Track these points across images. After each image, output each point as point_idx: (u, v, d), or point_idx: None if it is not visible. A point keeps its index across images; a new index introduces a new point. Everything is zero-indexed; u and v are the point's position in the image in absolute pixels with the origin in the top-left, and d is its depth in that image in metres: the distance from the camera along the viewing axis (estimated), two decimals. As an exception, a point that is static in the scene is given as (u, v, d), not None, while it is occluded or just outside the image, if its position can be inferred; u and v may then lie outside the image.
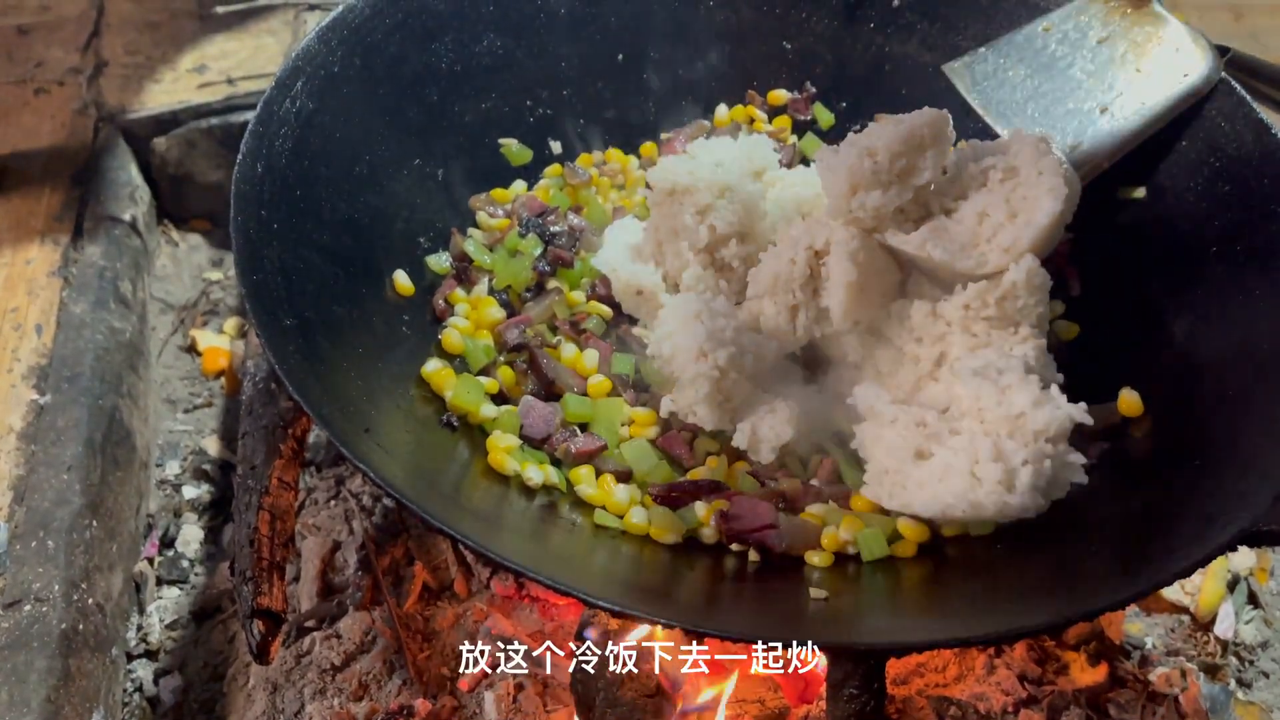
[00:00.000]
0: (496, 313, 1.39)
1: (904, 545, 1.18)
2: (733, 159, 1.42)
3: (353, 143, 1.39)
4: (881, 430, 1.20)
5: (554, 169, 1.59)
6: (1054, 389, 1.21)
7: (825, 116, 1.64)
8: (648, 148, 1.63)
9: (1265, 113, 1.35)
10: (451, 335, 1.35)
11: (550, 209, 1.50)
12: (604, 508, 1.21)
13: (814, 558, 1.17)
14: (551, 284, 1.43)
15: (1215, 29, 2.28)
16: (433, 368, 1.29)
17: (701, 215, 1.36)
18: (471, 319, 1.38)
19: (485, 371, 1.33)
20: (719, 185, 1.36)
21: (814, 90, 1.65)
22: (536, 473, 1.22)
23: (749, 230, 1.40)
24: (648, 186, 1.39)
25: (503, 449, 1.23)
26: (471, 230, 1.49)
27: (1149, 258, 1.40)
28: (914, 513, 1.16)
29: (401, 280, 1.37)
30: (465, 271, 1.43)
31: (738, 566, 1.17)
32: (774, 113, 1.67)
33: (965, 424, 1.17)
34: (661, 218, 1.38)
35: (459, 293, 1.41)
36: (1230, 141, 1.36)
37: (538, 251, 1.44)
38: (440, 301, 1.40)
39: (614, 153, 1.63)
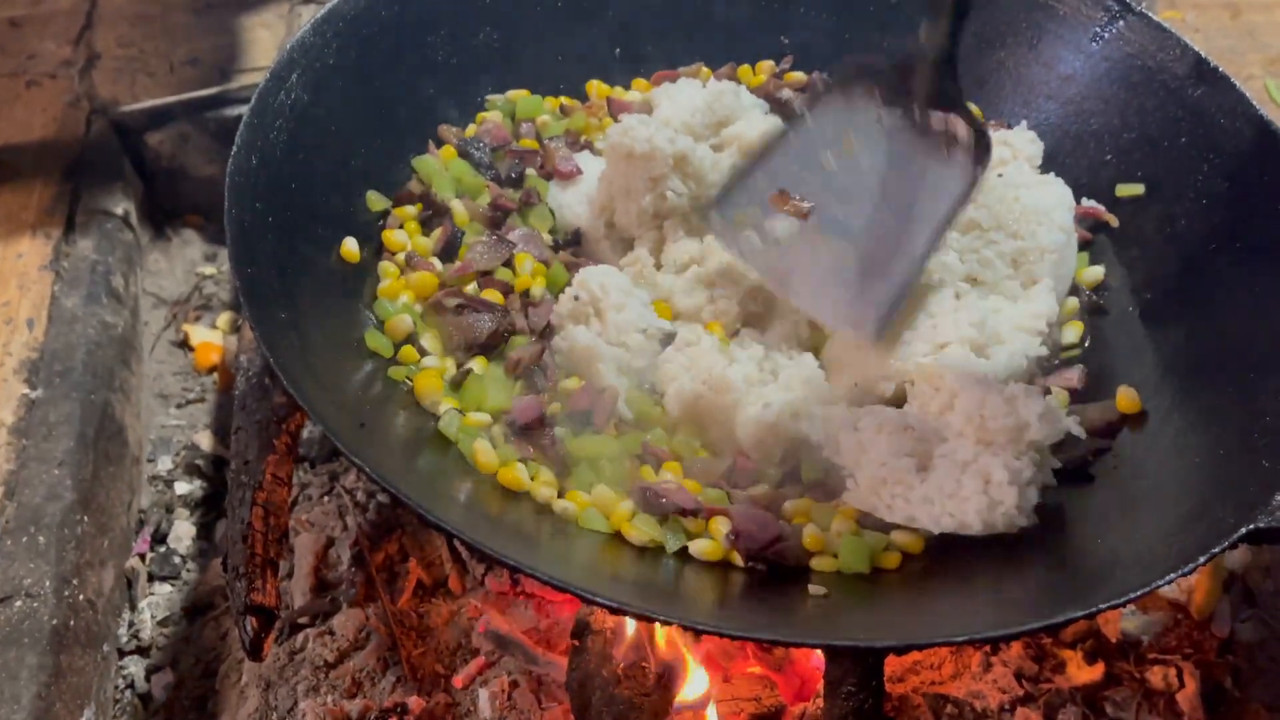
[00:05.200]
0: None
1: (890, 557, 1.15)
2: (696, 106, 1.44)
3: (348, 135, 1.38)
4: (865, 437, 1.17)
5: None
6: (1051, 399, 1.21)
7: None
8: (640, 83, 1.61)
9: (1265, 109, 1.34)
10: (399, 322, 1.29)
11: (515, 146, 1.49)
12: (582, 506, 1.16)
13: (818, 563, 1.13)
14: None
15: (1212, 26, 2.28)
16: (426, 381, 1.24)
17: (654, 183, 1.36)
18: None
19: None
20: (676, 155, 1.36)
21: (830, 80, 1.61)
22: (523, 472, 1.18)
23: (698, 195, 1.38)
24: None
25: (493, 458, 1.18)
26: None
27: (1148, 255, 1.40)
28: (919, 526, 1.14)
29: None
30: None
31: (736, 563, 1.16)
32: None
33: (955, 425, 1.16)
34: (616, 174, 1.38)
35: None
36: (1229, 138, 1.35)
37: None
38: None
39: (596, 84, 1.60)
